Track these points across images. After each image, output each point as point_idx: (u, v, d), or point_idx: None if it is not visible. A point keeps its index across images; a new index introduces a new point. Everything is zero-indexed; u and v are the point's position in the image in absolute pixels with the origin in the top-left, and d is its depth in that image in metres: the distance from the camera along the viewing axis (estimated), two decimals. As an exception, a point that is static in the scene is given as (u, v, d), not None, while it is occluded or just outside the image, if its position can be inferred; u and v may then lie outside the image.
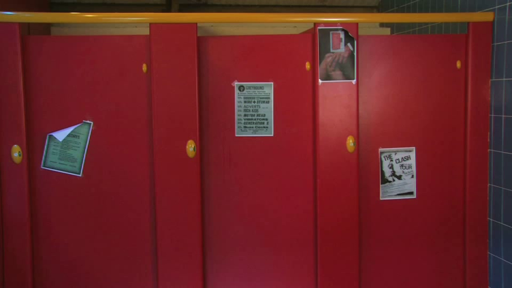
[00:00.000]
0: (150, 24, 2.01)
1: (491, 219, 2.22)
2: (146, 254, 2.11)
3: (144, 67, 2.05)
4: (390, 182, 2.20)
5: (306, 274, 2.18)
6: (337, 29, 2.08)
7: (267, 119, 2.12)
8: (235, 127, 2.12)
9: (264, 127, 2.12)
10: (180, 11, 3.40)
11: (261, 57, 2.10)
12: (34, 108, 2.02)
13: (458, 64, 2.19)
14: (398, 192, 2.21)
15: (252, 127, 2.12)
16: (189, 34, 2.02)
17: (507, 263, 2.13)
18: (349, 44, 2.09)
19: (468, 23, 2.17)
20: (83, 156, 2.06)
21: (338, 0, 3.58)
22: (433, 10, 2.68)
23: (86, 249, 2.10)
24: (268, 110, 2.11)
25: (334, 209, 2.12)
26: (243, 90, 2.11)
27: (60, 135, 2.04)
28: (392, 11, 3.27)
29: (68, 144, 2.05)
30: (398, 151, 2.20)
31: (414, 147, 2.21)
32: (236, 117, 2.11)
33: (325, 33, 2.07)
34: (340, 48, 2.08)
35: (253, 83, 2.11)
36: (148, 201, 2.09)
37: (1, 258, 2.03)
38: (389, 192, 2.21)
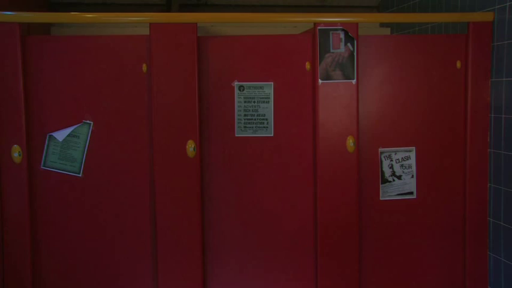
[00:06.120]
0: (150, 24, 2.01)
1: (491, 219, 2.22)
2: (146, 254, 2.11)
3: (144, 67, 2.05)
4: (390, 182, 2.20)
5: (306, 274, 2.18)
6: (337, 29, 2.08)
7: (267, 119, 2.12)
8: (235, 127, 2.12)
9: (264, 127, 2.12)
10: (180, 11, 3.40)
11: (261, 57, 2.10)
12: (34, 108, 2.02)
13: (458, 64, 2.19)
14: (398, 192, 2.21)
15: (252, 127, 2.12)
16: (189, 34, 2.02)
17: (507, 263, 2.13)
18: (349, 44, 2.09)
19: (468, 23, 2.17)
20: (83, 156, 2.06)
21: (338, 0, 3.57)
22: (433, 10, 2.68)
23: (86, 249, 2.09)
24: (268, 110, 2.11)
25: (334, 208, 2.12)
26: (243, 90, 2.11)
27: (60, 135, 2.04)
28: (393, 11, 3.27)
29: (68, 144, 2.05)
30: (398, 151, 2.20)
31: (414, 147, 2.21)
32: (236, 117, 2.11)
33: (325, 33, 2.07)
34: (340, 48, 2.08)
35: (253, 83, 2.11)
36: (148, 201, 2.09)
37: (1, 258, 2.03)
38: (389, 192, 2.21)
